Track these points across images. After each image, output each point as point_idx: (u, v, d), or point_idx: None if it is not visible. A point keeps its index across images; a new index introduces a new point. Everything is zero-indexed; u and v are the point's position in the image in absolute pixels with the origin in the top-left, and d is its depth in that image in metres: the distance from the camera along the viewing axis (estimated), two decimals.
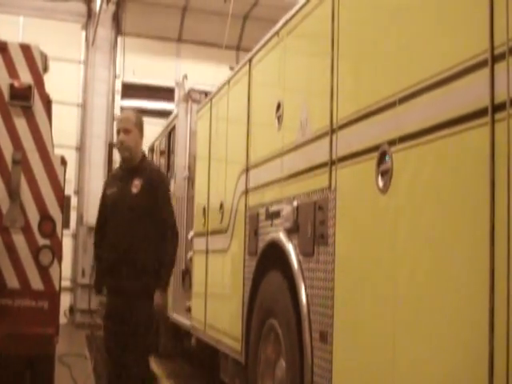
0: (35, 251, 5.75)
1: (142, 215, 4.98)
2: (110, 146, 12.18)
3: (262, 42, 4.99)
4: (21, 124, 5.83)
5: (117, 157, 12.84)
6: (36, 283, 5.75)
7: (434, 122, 2.55)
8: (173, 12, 14.35)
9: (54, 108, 6.75)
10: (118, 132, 5.14)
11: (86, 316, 12.11)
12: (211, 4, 13.53)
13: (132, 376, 4.88)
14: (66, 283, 11.31)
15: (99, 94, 13.87)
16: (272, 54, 4.76)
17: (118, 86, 14.27)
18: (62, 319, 8.62)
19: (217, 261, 6.09)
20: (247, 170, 5.18)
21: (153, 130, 10.50)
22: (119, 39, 14.13)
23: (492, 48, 2.25)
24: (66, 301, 12.08)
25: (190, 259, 7.64)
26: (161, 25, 14.28)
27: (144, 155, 5.31)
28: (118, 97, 14.32)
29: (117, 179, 5.26)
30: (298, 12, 4.22)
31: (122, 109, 13.73)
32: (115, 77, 14.17)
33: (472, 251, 2.32)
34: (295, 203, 4.00)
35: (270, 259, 4.49)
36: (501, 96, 2.21)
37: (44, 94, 5.95)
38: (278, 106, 4.47)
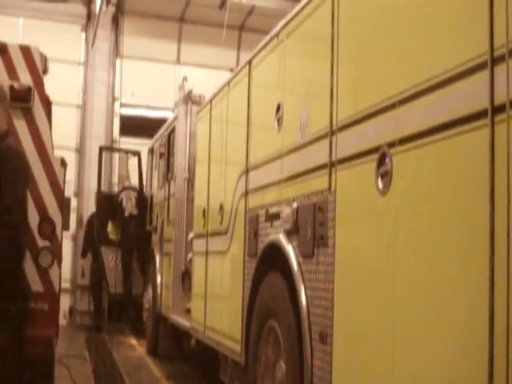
0: (35, 253, 5.74)
1: None
2: (101, 150, 12.18)
3: (262, 43, 4.99)
4: (20, 125, 5.82)
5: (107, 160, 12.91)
6: (36, 285, 5.73)
7: (434, 123, 2.56)
8: (170, 33, 14.32)
9: (54, 109, 6.74)
10: None
11: (86, 318, 12.11)
12: (207, 13, 13.63)
13: None
14: (65, 285, 11.29)
15: (99, 95, 13.84)
16: (272, 56, 4.77)
17: (117, 109, 14.13)
18: (62, 321, 8.62)
19: (216, 262, 6.09)
20: (247, 171, 5.18)
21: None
22: (117, 62, 14.08)
23: (492, 50, 2.26)
24: (65, 302, 12.05)
25: (190, 260, 7.65)
26: (158, 45, 14.24)
27: (6, 132, 4.18)
28: (116, 119, 14.17)
29: None
30: (297, 14, 4.22)
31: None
32: (115, 76, 14.14)
33: (472, 253, 2.32)
34: (295, 205, 4.00)
35: (270, 261, 4.49)
36: (500, 98, 2.21)
37: (44, 95, 5.95)
38: (278, 108, 4.47)
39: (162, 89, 14.04)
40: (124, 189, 10.77)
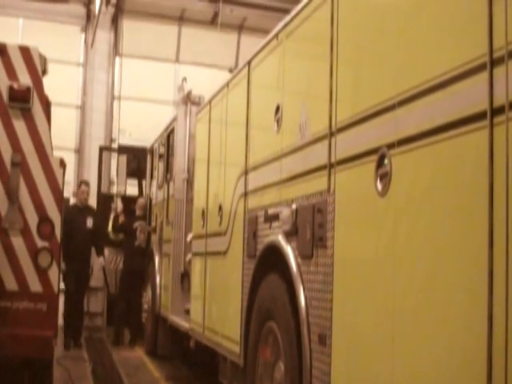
0: (34, 253, 5.74)
1: None
2: (101, 151, 12.17)
3: (261, 44, 4.99)
4: (20, 126, 5.82)
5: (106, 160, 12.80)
6: (35, 285, 5.74)
7: (433, 125, 2.55)
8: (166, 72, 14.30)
9: (53, 110, 6.74)
10: None
11: (85, 318, 12.08)
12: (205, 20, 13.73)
13: None
14: (63, 286, 11.27)
15: (98, 96, 13.85)
16: (271, 57, 4.77)
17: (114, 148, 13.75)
18: (61, 321, 8.60)
19: (216, 263, 6.09)
20: (246, 172, 5.18)
21: None
22: (115, 104, 14.05)
23: (491, 51, 2.26)
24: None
25: (189, 261, 7.64)
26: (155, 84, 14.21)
27: None
28: (113, 162, 13.65)
29: None
30: (297, 15, 4.22)
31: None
32: (114, 78, 14.15)
33: (471, 254, 2.32)
34: (294, 206, 4.00)
35: (269, 262, 4.48)
36: (499, 99, 2.21)
37: (43, 95, 5.95)
38: (277, 109, 4.47)
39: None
40: (139, 218, 10.78)
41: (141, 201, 11.00)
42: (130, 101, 13.86)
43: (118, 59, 14.05)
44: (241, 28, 14.42)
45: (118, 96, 13.89)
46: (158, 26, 14.16)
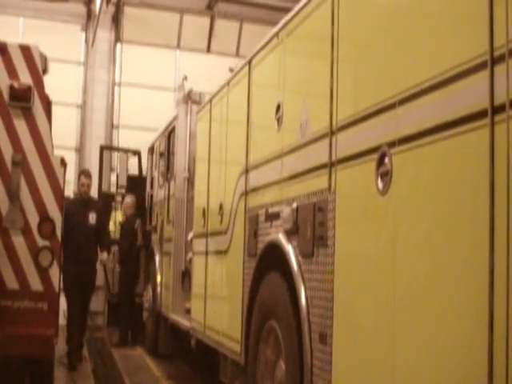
0: (35, 252, 5.75)
1: None
2: (102, 149, 12.16)
3: (262, 43, 4.99)
4: (20, 125, 5.83)
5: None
6: (35, 284, 5.75)
7: (434, 123, 2.55)
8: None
9: (54, 109, 6.75)
10: None
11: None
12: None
13: None
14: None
15: (99, 95, 13.86)
16: (272, 56, 4.77)
17: (114, 179, 13.06)
18: (62, 320, 8.58)
19: (216, 262, 6.09)
20: (247, 171, 5.18)
21: None
22: (114, 133, 14.00)
23: (492, 50, 2.26)
24: (65, 302, 12.04)
25: (190, 260, 7.65)
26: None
27: None
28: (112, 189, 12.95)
29: None
30: (297, 13, 4.22)
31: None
32: (114, 78, 14.14)
33: (471, 253, 2.32)
34: (295, 205, 4.00)
35: (270, 260, 4.48)
36: (500, 98, 2.21)
37: (44, 94, 5.95)
38: (278, 108, 4.47)
39: None
40: (137, 217, 10.79)
41: (128, 200, 10.88)
42: (129, 129, 13.81)
43: (116, 87, 14.02)
44: (238, 48, 14.39)
45: (117, 125, 13.85)
46: (155, 53, 14.17)
